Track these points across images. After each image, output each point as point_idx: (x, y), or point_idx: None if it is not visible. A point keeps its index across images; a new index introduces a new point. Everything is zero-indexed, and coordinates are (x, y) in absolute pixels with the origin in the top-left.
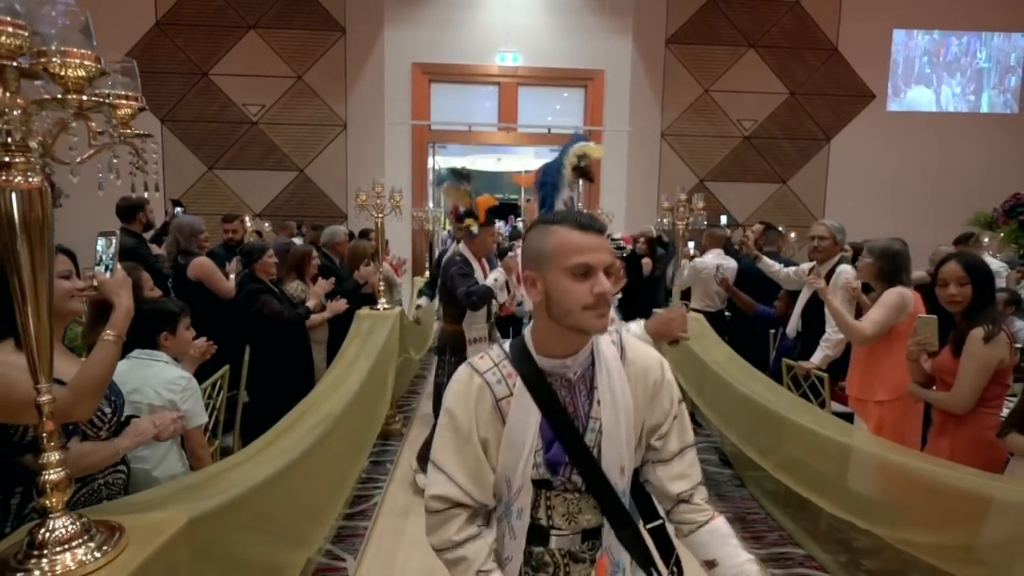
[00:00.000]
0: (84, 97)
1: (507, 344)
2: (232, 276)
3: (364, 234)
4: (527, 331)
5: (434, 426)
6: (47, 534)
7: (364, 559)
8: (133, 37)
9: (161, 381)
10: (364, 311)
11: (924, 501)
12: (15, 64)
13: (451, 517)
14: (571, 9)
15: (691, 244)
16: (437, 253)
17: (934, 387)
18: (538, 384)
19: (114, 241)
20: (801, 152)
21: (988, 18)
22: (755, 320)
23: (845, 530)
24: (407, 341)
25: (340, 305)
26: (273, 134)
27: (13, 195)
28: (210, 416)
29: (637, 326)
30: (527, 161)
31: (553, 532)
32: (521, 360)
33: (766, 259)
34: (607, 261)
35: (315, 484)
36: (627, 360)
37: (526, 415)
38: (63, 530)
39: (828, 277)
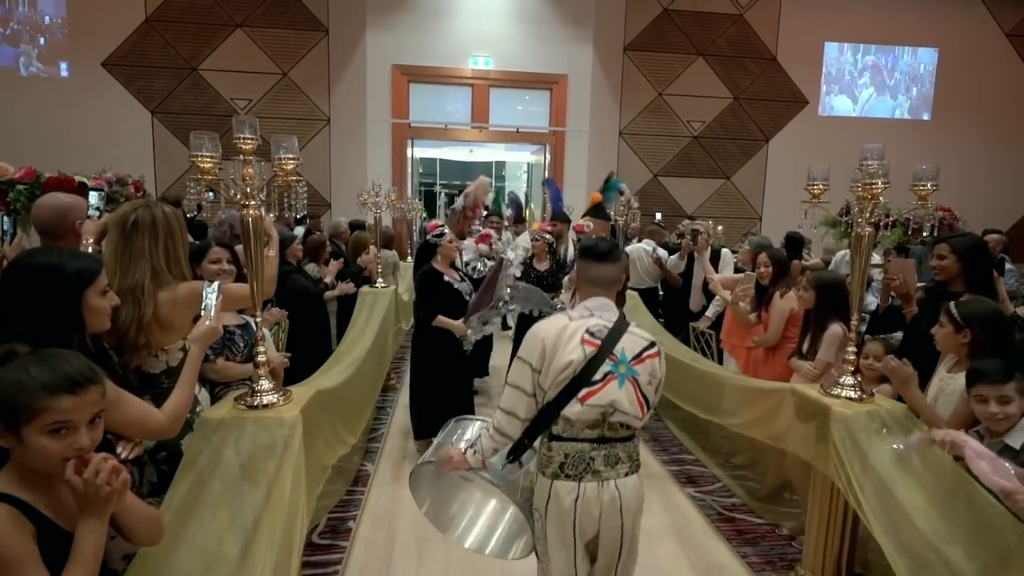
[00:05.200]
0: (293, 179)
1: None
2: None
3: (359, 225)
4: None
5: None
6: (259, 387)
7: (379, 466)
8: (124, 32)
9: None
10: (366, 289)
11: (744, 399)
12: (254, 158)
13: None
14: (538, 18)
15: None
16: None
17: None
18: None
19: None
20: (743, 151)
21: (902, 34)
22: (680, 292)
23: (721, 441)
24: (400, 314)
25: (349, 287)
26: (260, 127)
27: (250, 218)
28: None
29: None
30: (498, 153)
31: None
32: None
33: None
34: None
35: (359, 394)
36: None
37: None
38: (266, 385)
39: (715, 259)
